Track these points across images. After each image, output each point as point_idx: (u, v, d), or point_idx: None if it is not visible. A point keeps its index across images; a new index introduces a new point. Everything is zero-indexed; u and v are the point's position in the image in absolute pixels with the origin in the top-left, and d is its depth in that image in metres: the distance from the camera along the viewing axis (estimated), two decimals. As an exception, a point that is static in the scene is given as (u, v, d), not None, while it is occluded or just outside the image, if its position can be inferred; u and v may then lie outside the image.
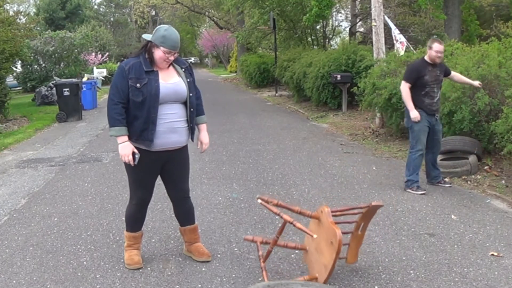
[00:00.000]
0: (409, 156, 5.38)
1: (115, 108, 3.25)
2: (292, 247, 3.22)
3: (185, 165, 3.57)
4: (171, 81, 3.34)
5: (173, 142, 3.36)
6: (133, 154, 3.24)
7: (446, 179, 5.60)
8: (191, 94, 3.41)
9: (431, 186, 5.47)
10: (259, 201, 3.23)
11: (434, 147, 5.47)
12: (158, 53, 3.28)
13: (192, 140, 3.55)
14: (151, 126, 3.26)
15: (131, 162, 3.24)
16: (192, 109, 3.43)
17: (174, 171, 3.50)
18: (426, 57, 5.31)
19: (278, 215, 3.15)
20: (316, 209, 3.24)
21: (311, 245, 3.23)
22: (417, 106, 5.24)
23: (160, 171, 3.50)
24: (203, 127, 3.63)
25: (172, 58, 3.32)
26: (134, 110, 3.27)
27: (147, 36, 3.37)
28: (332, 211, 3.11)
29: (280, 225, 4.31)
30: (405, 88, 5.30)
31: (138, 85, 3.24)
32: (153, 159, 3.36)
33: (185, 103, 3.40)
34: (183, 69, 3.46)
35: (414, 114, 5.20)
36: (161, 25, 3.46)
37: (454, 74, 5.64)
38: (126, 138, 3.25)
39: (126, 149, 3.24)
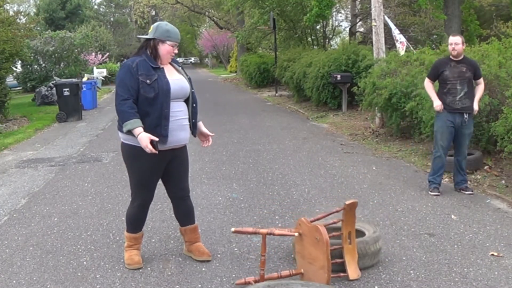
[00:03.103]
0: (432, 157, 5.36)
1: (126, 103, 3.21)
2: (287, 275, 3.19)
3: (185, 164, 3.60)
4: (175, 78, 3.40)
5: (181, 139, 3.41)
6: (152, 142, 3.17)
7: (469, 187, 5.24)
8: (193, 90, 3.50)
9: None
10: (232, 229, 3.25)
11: (458, 151, 5.22)
12: (165, 48, 3.34)
13: (195, 136, 3.59)
14: (164, 122, 3.28)
15: (153, 151, 3.16)
16: (194, 105, 3.51)
17: (175, 170, 3.52)
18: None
19: (255, 233, 3.19)
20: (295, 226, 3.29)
21: (304, 264, 3.19)
22: None
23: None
24: (201, 124, 3.67)
25: (176, 51, 3.41)
26: (145, 106, 3.26)
27: (145, 35, 3.42)
28: (310, 221, 3.20)
29: (280, 225, 4.33)
30: (426, 83, 5.33)
31: (148, 81, 3.26)
32: (159, 159, 3.34)
33: (186, 101, 3.46)
34: (180, 67, 3.56)
35: (436, 102, 5.08)
36: (159, 22, 3.51)
37: (479, 84, 5.22)
38: (142, 129, 3.18)
39: (144, 140, 3.15)
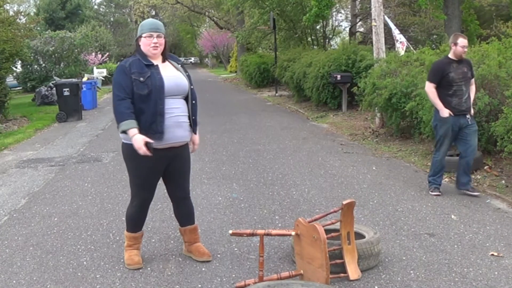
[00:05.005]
0: (432, 158, 5.26)
1: (122, 103, 3.24)
2: (286, 277, 3.18)
3: (187, 164, 3.60)
4: (170, 74, 3.41)
5: (179, 136, 3.40)
6: (146, 144, 3.17)
7: (475, 188, 5.15)
8: (192, 87, 3.51)
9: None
10: (230, 232, 3.28)
11: (467, 151, 5.03)
12: (142, 42, 3.38)
13: (196, 134, 3.58)
14: (159, 118, 3.28)
15: (147, 153, 3.17)
16: (194, 102, 3.52)
17: (176, 170, 3.52)
18: (450, 55, 5.06)
19: (253, 234, 3.21)
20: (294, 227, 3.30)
21: (303, 264, 3.19)
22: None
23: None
24: (195, 128, 3.65)
25: (157, 41, 3.36)
26: (140, 103, 3.28)
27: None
28: (308, 221, 3.21)
29: (280, 225, 4.33)
30: (430, 88, 5.05)
31: (141, 78, 3.28)
32: (158, 158, 3.33)
33: (186, 98, 3.46)
34: (179, 65, 3.57)
35: (445, 113, 4.90)
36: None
37: (471, 85, 5.16)
38: (136, 130, 3.20)
39: (138, 141, 3.17)
